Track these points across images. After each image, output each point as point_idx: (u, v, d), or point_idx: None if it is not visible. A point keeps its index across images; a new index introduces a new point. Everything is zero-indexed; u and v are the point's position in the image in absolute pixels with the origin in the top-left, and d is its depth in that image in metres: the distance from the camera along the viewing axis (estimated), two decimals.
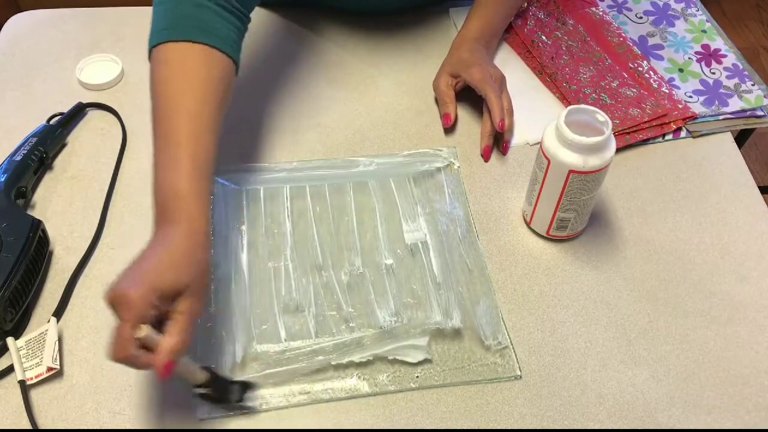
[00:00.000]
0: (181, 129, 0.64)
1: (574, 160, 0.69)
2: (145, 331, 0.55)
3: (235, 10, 0.71)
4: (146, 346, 0.56)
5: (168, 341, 0.56)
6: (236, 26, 0.72)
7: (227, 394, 0.63)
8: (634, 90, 0.90)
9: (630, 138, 0.87)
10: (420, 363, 0.68)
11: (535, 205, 0.76)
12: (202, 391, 0.63)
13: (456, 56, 0.90)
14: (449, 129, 0.88)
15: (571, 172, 0.69)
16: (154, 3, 0.70)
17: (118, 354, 0.54)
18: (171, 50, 0.67)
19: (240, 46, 0.73)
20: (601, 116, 0.70)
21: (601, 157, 0.69)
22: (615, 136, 0.85)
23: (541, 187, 0.73)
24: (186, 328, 0.58)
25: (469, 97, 0.90)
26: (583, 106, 0.71)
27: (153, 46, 0.68)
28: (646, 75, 0.92)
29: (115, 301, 0.55)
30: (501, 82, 0.87)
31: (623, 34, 0.98)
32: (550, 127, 0.71)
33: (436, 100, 0.91)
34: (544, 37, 0.96)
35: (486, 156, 0.85)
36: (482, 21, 0.92)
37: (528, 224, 0.79)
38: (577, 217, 0.75)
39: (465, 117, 0.90)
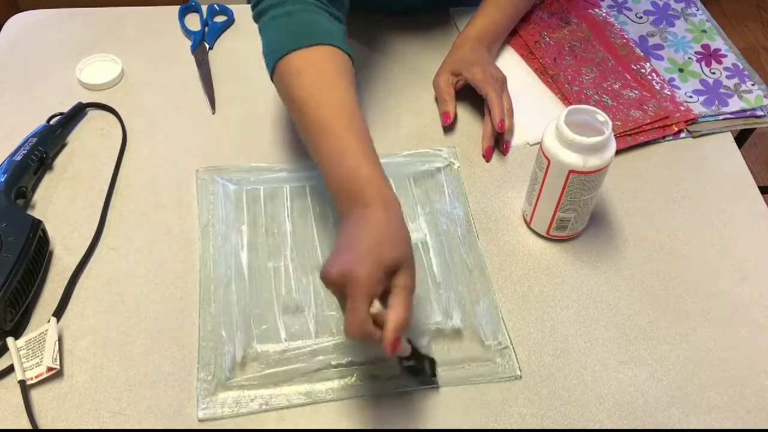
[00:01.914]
0: (337, 121, 0.65)
1: (574, 160, 0.69)
2: (377, 307, 0.56)
3: (337, 12, 0.74)
4: (376, 323, 0.57)
5: (394, 316, 0.57)
6: (342, 28, 0.74)
7: (424, 368, 0.65)
8: (636, 92, 0.90)
9: (631, 140, 0.87)
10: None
11: (535, 205, 0.76)
12: (407, 364, 0.64)
13: (457, 55, 0.90)
14: (448, 127, 0.88)
15: (571, 172, 0.69)
16: (264, 22, 0.72)
17: (358, 331, 0.56)
18: (298, 58, 0.68)
19: (345, 41, 0.74)
20: (601, 116, 0.70)
21: (601, 157, 0.69)
22: (616, 137, 0.85)
23: (541, 187, 0.73)
24: (408, 301, 0.58)
25: (469, 97, 0.90)
26: (583, 106, 0.70)
27: (278, 60, 0.69)
28: (649, 77, 0.92)
29: (344, 280, 0.56)
30: (502, 82, 0.87)
31: (626, 36, 0.98)
32: (550, 127, 0.71)
33: (436, 99, 0.91)
34: (546, 38, 0.96)
35: (487, 156, 0.85)
36: (487, 21, 0.92)
37: (528, 224, 0.79)
38: (578, 217, 0.75)
39: (465, 117, 0.90)
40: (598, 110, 0.70)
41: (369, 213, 0.60)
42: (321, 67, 0.68)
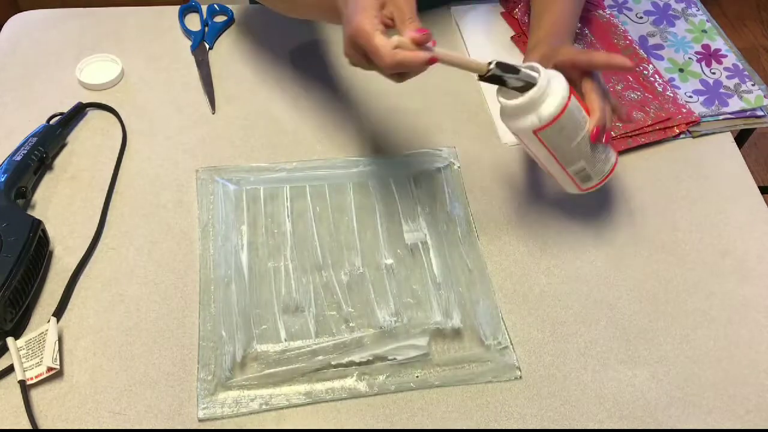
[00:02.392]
0: None
1: (528, 122, 0.66)
2: (396, 39, 0.61)
3: None
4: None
5: (402, 11, 0.63)
6: None
7: (514, 70, 0.64)
8: (638, 93, 0.90)
9: (632, 141, 0.87)
10: (420, 363, 0.68)
11: (551, 174, 0.74)
12: (487, 75, 0.64)
13: (535, 56, 0.75)
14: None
15: (535, 132, 0.67)
16: None
17: (390, 59, 0.60)
18: None
19: None
20: (528, 67, 0.65)
21: (550, 104, 0.65)
22: (618, 138, 0.85)
23: (539, 160, 0.72)
24: (407, 8, 0.63)
25: (469, 97, 0.90)
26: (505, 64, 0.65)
27: None
28: (651, 78, 0.92)
29: (353, 37, 0.61)
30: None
31: (629, 37, 0.98)
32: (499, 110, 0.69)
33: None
34: None
35: (599, 137, 0.69)
36: (556, 15, 0.80)
37: (566, 191, 0.75)
38: (588, 162, 0.70)
39: (465, 117, 0.90)
40: (520, 64, 0.65)
41: None
42: None
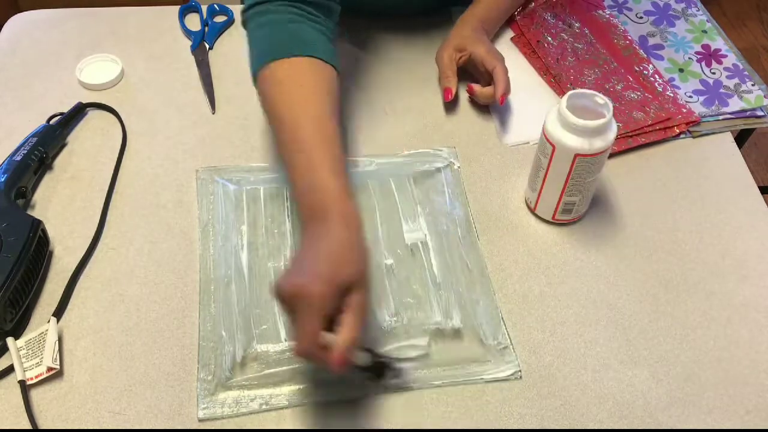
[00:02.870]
0: (311, 134, 0.65)
1: (579, 143, 0.70)
2: (329, 337, 0.56)
3: (325, 23, 0.74)
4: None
5: (344, 337, 0.57)
6: (329, 38, 0.75)
7: (383, 376, 0.64)
8: (639, 93, 0.90)
9: (632, 141, 0.86)
10: (420, 363, 0.68)
11: (540, 191, 0.76)
12: (364, 372, 0.63)
13: (463, 32, 0.91)
14: (449, 104, 0.89)
15: (577, 155, 0.70)
16: (250, 30, 0.74)
17: (305, 350, 0.56)
18: (280, 68, 0.69)
19: (337, 56, 0.74)
20: (601, 99, 0.71)
21: (604, 139, 0.70)
22: (618, 139, 0.85)
23: (546, 172, 0.74)
24: (359, 322, 0.58)
25: (469, 96, 0.90)
26: (582, 90, 0.72)
27: (258, 68, 0.70)
28: (651, 78, 0.92)
29: (296, 296, 0.56)
30: (504, 60, 0.88)
31: (629, 37, 0.98)
32: (552, 113, 0.72)
33: (439, 81, 0.91)
34: (549, 38, 0.96)
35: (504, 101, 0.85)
36: (488, 5, 0.94)
37: (533, 210, 0.79)
38: (582, 199, 0.76)
39: (465, 117, 0.90)
40: (597, 93, 0.71)
41: (328, 228, 0.60)
42: (301, 79, 0.69)
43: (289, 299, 0.57)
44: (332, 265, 0.58)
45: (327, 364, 0.57)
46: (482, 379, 0.67)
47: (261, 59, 0.70)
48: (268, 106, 0.70)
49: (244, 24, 0.75)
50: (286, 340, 0.68)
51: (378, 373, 0.64)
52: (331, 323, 0.58)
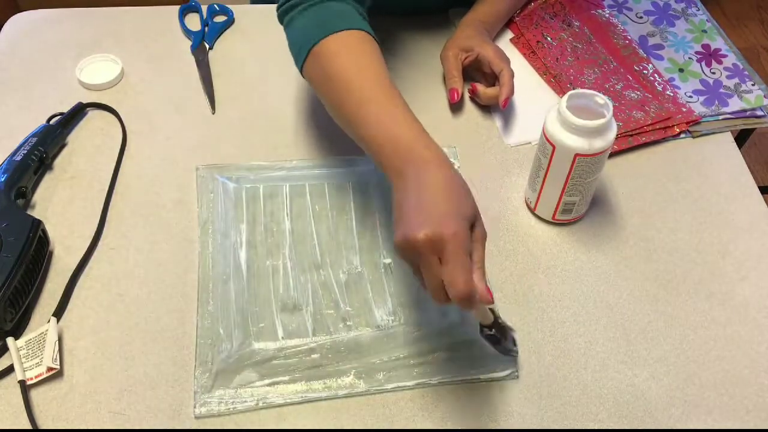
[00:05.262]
0: (383, 93, 0.66)
1: (579, 143, 0.70)
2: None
3: (359, 6, 0.75)
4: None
5: (480, 272, 0.57)
6: (365, 17, 0.75)
7: (506, 339, 0.64)
8: (638, 93, 0.90)
9: (632, 140, 0.86)
10: (420, 363, 0.68)
11: (540, 190, 0.76)
12: (488, 332, 0.63)
13: (468, 32, 0.92)
14: (455, 105, 0.90)
15: (577, 155, 0.70)
16: (291, 18, 0.74)
17: (468, 288, 0.54)
18: (333, 42, 0.70)
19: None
20: (601, 99, 0.71)
21: (605, 139, 0.70)
22: (618, 138, 0.85)
23: (546, 172, 0.74)
24: (483, 254, 0.59)
25: (470, 97, 0.90)
26: (582, 90, 0.72)
27: (312, 46, 0.70)
28: (651, 78, 0.92)
29: (437, 242, 0.55)
30: (510, 63, 0.89)
31: (629, 37, 0.98)
32: (552, 113, 0.72)
33: (443, 79, 0.92)
34: (549, 38, 0.96)
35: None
36: (491, 8, 0.96)
37: (533, 210, 0.79)
38: (582, 199, 0.76)
39: (465, 117, 0.90)
40: (597, 93, 0.71)
41: (429, 170, 0.60)
42: (357, 48, 0.70)
43: (427, 245, 0.55)
44: (454, 203, 0.58)
45: (477, 303, 0.56)
46: (479, 379, 0.67)
47: (310, 40, 0.70)
48: (328, 76, 0.69)
49: (282, 16, 0.75)
50: (283, 338, 0.68)
51: (498, 336, 0.64)
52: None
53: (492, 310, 0.63)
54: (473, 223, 0.59)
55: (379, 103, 0.65)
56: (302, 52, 0.71)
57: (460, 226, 0.56)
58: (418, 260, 0.57)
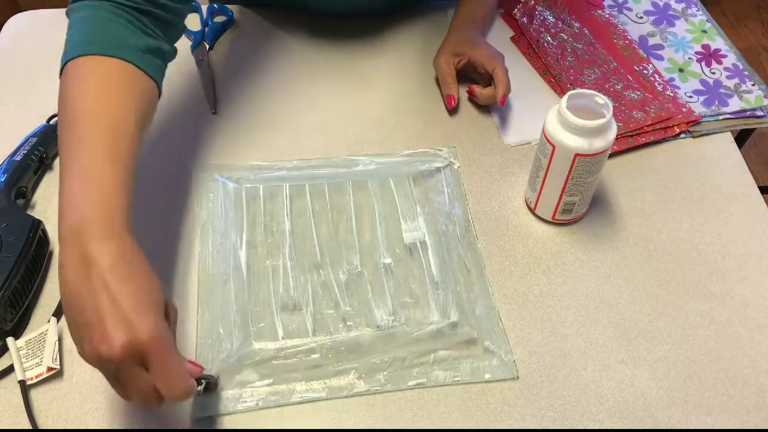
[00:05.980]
0: (101, 142, 0.59)
1: (579, 143, 0.70)
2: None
3: (157, 39, 0.69)
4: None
5: (183, 360, 0.56)
6: (161, 53, 0.69)
7: (215, 384, 0.64)
8: (638, 93, 0.90)
9: (633, 141, 0.86)
10: (421, 363, 0.68)
11: (540, 190, 0.76)
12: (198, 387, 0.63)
13: (458, 36, 0.92)
14: (453, 110, 0.89)
15: (577, 155, 0.70)
16: (73, 19, 0.67)
17: (188, 385, 0.52)
18: (88, 64, 0.63)
19: (163, 71, 0.70)
20: (601, 99, 0.71)
21: (605, 139, 0.70)
22: (618, 139, 0.85)
23: (546, 172, 0.74)
24: (175, 335, 0.57)
25: (469, 97, 0.90)
26: (582, 90, 0.72)
27: (68, 61, 0.63)
28: (651, 78, 0.92)
29: (137, 347, 0.50)
30: (503, 60, 0.89)
31: (629, 37, 0.98)
32: (552, 113, 0.72)
33: (437, 82, 0.92)
34: (549, 38, 0.96)
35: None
36: (478, 6, 0.96)
37: (533, 210, 0.79)
38: (582, 199, 0.76)
39: (465, 117, 0.90)
40: (597, 93, 0.71)
41: (104, 254, 0.52)
42: (107, 81, 0.62)
43: (129, 355, 0.49)
44: (147, 293, 0.52)
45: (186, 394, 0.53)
46: (481, 379, 0.67)
47: (72, 52, 0.63)
48: (65, 100, 0.62)
49: (68, 13, 0.68)
50: (283, 338, 0.68)
51: (209, 383, 0.63)
52: None
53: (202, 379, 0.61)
54: (165, 305, 0.53)
55: (91, 155, 0.57)
56: (62, 62, 0.65)
57: (156, 322, 0.50)
58: (116, 372, 0.51)
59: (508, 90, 0.86)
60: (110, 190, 0.56)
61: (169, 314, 0.55)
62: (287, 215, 0.78)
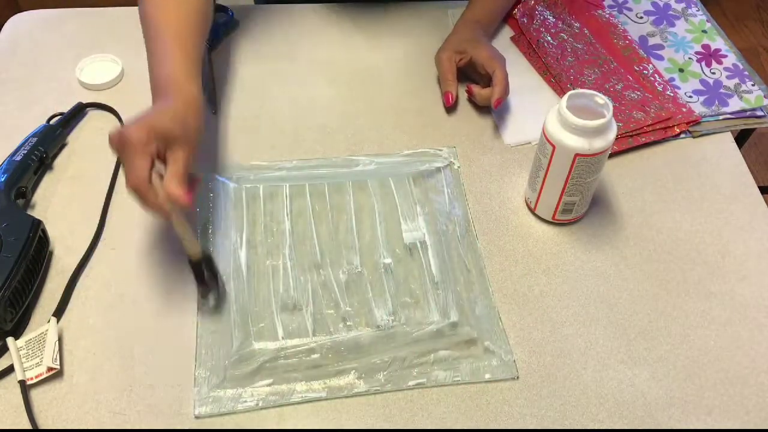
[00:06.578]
0: (170, 30, 0.76)
1: (579, 143, 0.70)
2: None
3: None
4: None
5: (170, 168, 0.64)
6: None
7: (213, 279, 0.69)
8: (638, 93, 0.90)
9: (633, 141, 0.86)
10: (421, 363, 0.68)
11: (540, 190, 0.76)
12: (193, 265, 0.68)
13: (462, 34, 0.92)
14: (450, 108, 0.90)
15: (577, 155, 0.70)
16: None
17: (134, 184, 0.62)
18: None
19: None
20: (601, 99, 0.71)
21: (605, 139, 0.70)
22: (618, 139, 0.85)
23: (546, 172, 0.74)
24: (182, 166, 0.65)
25: (470, 97, 0.90)
26: (582, 90, 0.72)
27: None
28: (651, 78, 0.92)
29: (119, 141, 0.63)
30: (504, 63, 0.89)
31: (629, 37, 0.98)
32: (552, 113, 0.72)
33: (438, 82, 0.91)
34: (549, 38, 0.96)
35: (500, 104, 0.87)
36: (485, 7, 0.96)
37: (533, 210, 0.79)
38: (582, 199, 0.76)
39: (465, 117, 0.90)
40: (597, 93, 0.71)
41: (165, 100, 0.69)
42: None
43: (115, 145, 0.63)
44: (153, 115, 0.66)
45: (155, 203, 0.63)
46: (481, 379, 0.67)
47: None
48: (142, 17, 0.79)
49: None
50: (283, 338, 0.68)
51: (202, 278, 0.68)
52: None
53: (205, 253, 0.69)
54: (170, 143, 0.65)
55: (161, 42, 0.74)
56: None
57: (139, 132, 0.63)
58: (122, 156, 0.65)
59: (505, 93, 0.86)
60: (180, 66, 0.73)
61: (175, 150, 0.66)
62: (287, 215, 0.78)
